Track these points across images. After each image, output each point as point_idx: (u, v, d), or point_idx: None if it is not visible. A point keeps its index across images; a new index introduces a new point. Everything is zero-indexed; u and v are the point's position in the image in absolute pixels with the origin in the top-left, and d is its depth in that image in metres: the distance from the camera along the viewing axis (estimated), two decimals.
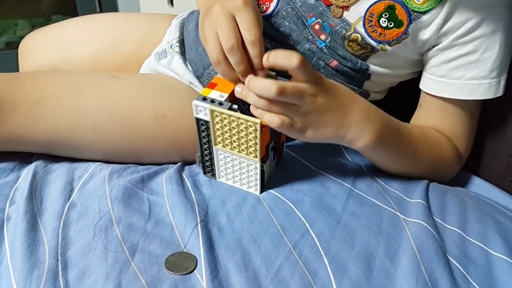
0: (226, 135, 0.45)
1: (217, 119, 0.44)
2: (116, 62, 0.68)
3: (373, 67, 0.53)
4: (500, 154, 0.57)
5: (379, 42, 0.50)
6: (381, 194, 0.49)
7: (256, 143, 0.44)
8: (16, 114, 0.51)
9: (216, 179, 0.51)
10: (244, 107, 0.44)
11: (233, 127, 0.44)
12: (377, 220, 0.45)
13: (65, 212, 0.46)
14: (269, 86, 0.39)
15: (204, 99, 0.44)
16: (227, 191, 0.50)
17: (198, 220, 0.44)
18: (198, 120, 0.46)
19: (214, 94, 0.45)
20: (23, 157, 0.56)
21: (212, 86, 0.46)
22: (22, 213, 0.45)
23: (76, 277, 0.39)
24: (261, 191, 0.49)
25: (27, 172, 0.53)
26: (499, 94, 0.49)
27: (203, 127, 0.47)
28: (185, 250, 0.42)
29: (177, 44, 0.63)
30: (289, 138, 0.56)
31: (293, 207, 0.47)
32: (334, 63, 0.53)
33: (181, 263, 0.40)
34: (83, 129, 0.53)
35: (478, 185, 0.57)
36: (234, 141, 0.45)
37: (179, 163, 0.56)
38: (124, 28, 0.69)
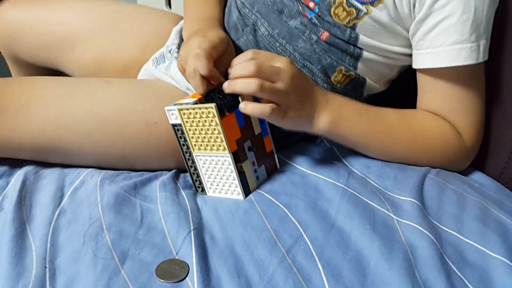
0: (197, 134, 0.47)
1: (185, 118, 0.47)
2: (118, 67, 0.68)
3: (362, 38, 0.53)
4: (500, 148, 0.56)
5: (362, 3, 0.51)
6: (375, 194, 0.48)
7: (220, 132, 0.45)
8: (4, 118, 0.51)
9: (206, 194, 0.51)
10: (211, 100, 0.46)
11: (199, 122, 0.46)
12: (371, 220, 0.44)
13: (54, 219, 0.45)
14: (247, 64, 0.43)
15: (175, 105, 0.48)
16: (220, 197, 0.49)
17: (191, 228, 0.44)
18: (173, 126, 0.48)
19: (186, 100, 0.48)
20: (13, 163, 0.55)
21: (187, 97, 0.49)
22: (9, 220, 0.44)
23: (64, 285, 0.38)
24: (246, 195, 0.49)
25: (17, 178, 0.52)
26: (481, 59, 0.50)
27: (179, 133, 0.48)
28: (177, 257, 0.41)
29: (177, 49, 0.62)
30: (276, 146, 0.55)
31: (286, 211, 0.46)
32: (325, 35, 0.54)
33: (173, 270, 0.40)
34: (71, 133, 0.52)
35: (477, 180, 0.56)
36: (205, 138, 0.47)
37: (174, 170, 0.55)
38: (128, 29, 0.68)
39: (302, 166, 0.54)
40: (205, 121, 0.45)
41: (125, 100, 0.55)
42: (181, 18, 0.71)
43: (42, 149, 0.53)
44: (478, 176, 0.56)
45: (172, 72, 0.60)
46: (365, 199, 0.47)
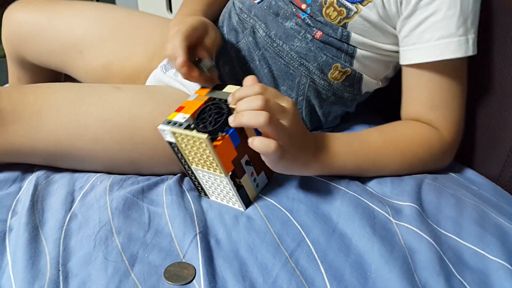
0: (193, 153, 0.46)
1: (179, 140, 0.45)
2: (126, 73, 0.69)
3: (354, 36, 0.55)
4: (498, 151, 0.57)
5: (352, 2, 0.53)
6: (374, 196, 0.49)
7: (214, 159, 0.45)
8: (17, 124, 0.52)
9: (209, 198, 0.52)
10: (204, 126, 0.44)
11: (192, 147, 0.45)
12: (371, 222, 0.45)
13: (66, 223, 0.47)
14: (256, 98, 0.42)
15: (169, 122, 0.46)
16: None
17: (197, 231, 0.45)
18: (169, 143, 0.48)
19: (178, 117, 0.46)
20: (25, 168, 0.57)
21: (180, 109, 0.48)
22: (23, 224, 0.46)
23: (77, 287, 0.40)
24: (247, 207, 0.49)
25: (29, 183, 0.54)
26: (470, 52, 0.51)
27: (175, 149, 0.48)
28: (184, 260, 0.43)
29: None
30: None
31: (289, 215, 0.47)
32: (319, 33, 0.56)
33: (180, 273, 0.41)
34: (82, 139, 0.54)
35: (474, 181, 0.56)
36: (200, 159, 0.46)
37: (179, 174, 0.57)
38: (137, 37, 0.70)
39: None
40: (198, 148, 0.44)
41: (135, 106, 0.56)
42: None
43: (54, 154, 0.54)
44: (476, 178, 0.57)
45: (180, 77, 0.61)
46: (365, 201, 0.48)
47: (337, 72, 0.58)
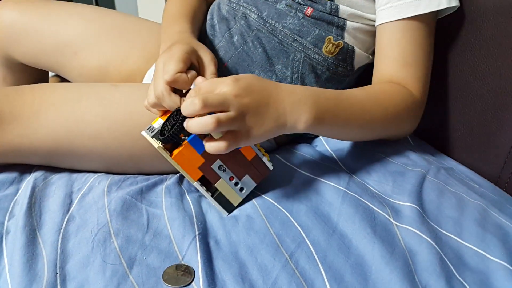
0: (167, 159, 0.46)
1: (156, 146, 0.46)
2: (122, 75, 0.69)
3: (342, 8, 0.58)
4: (497, 152, 0.56)
5: None
6: (375, 197, 0.49)
7: (177, 165, 0.44)
8: (15, 124, 0.52)
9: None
10: (163, 133, 0.44)
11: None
12: (371, 223, 0.45)
13: (64, 225, 0.46)
14: (192, 101, 0.40)
15: (149, 128, 0.47)
16: None
17: (197, 233, 0.45)
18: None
19: (158, 122, 0.47)
20: (22, 170, 0.56)
21: (162, 114, 0.49)
22: (21, 226, 0.45)
23: None
24: (230, 212, 0.49)
25: (27, 185, 0.53)
26: (444, 5, 0.53)
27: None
28: (183, 262, 0.42)
29: None
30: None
31: (288, 215, 0.47)
32: (309, 10, 0.58)
33: (179, 275, 0.41)
34: (82, 136, 0.53)
35: (474, 181, 0.56)
36: (172, 164, 0.46)
37: (178, 174, 0.56)
38: (133, 39, 0.69)
39: (303, 170, 0.55)
40: (161, 154, 0.45)
41: (132, 101, 0.56)
42: None
43: (53, 153, 0.54)
44: (476, 179, 0.56)
45: None
46: (365, 202, 0.48)
47: (331, 45, 0.59)
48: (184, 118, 0.43)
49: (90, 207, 0.49)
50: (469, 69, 0.57)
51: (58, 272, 0.41)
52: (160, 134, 0.45)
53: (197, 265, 0.41)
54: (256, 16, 0.60)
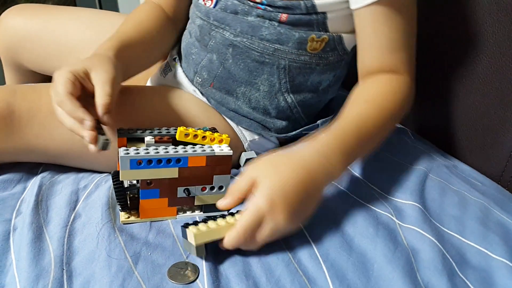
0: None
1: None
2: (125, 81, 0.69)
3: (317, 2, 0.53)
4: (500, 151, 0.57)
5: None
6: (377, 199, 0.49)
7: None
8: (32, 124, 0.52)
9: None
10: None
11: None
12: (374, 223, 0.45)
13: (70, 222, 0.47)
14: (234, 234, 0.41)
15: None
16: None
17: None
18: None
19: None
20: (29, 168, 0.57)
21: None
22: (28, 223, 0.46)
23: (81, 286, 0.40)
24: (228, 210, 0.46)
25: (33, 183, 0.54)
26: None
27: None
28: (187, 260, 0.43)
29: (176, 56, 0.65)
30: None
31: None
32: (284, 16, 0.54)
33: (184, 272, 0.41)
34: None
35: (479, 180, 0.56)
36: None
37: None
38: None
39: None
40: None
41: (143, 99, 0.57)
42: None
43: (64, 154, 0.55)
44: (478, 178, 0.57)
45: (179, 78, 0.63)
46: (367, 204, 0.48)
47: (315, 42, 0.56)
48: (118, 180, 0.46)
49: (95, 204, 0.50)
50: (472, 69, 0.58)
51: (64, 268, 0.41)
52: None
53: (202, 262, 0.42)
54: (229, 34, 0.57)
